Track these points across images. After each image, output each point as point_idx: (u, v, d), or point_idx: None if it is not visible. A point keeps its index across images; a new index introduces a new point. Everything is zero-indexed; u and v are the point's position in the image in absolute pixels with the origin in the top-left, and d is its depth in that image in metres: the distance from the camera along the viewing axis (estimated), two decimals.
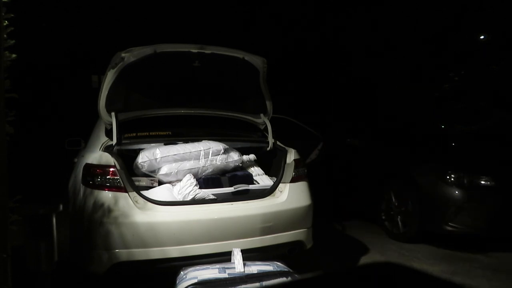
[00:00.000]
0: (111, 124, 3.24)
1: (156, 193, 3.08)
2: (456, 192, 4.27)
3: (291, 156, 3.51)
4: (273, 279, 2.50)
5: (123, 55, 3.09)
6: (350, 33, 10.98)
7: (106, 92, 3.22)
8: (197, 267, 2.57)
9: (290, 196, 3.26)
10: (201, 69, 3.43)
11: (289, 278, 2.54)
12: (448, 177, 4.36)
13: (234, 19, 10.42)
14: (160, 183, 3.28)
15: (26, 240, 2.21)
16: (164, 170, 3.20)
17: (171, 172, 3.21)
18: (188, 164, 3.27)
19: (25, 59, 2.89)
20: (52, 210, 2.26)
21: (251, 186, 3.38)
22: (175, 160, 3.24)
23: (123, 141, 3.27)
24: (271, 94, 3.79)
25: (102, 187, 2.85)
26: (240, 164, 3.62)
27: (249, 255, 2.73)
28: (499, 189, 4.27)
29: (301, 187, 3.40)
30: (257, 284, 2.47)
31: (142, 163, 3.17)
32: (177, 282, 2.51)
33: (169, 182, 3.26)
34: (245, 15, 10.47)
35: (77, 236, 3.01)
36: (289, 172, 3.38)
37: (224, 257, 2.77)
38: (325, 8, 10.73)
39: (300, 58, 11.18)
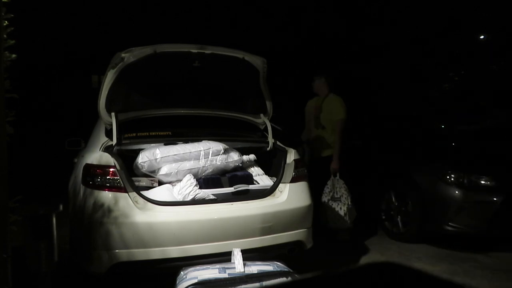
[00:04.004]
0: (111, 124, 3.23)
1: (156, 193, 3.07)
2: (456, 192, 4.27)
3: (291, 156, 3.51)
4: (273, 279, 2.51)
5: (123, 55, 3.09)
6: (351, 33, 10.98)
7: (106, 92, 3.22)
8: (197, 267, 2.57)
9: (290, 196, 3.25)
10: (201, 69, 3.43)
11: (289, 278, 2.54)
12: (448, 177, 4.36)
13: (234, 18, 10.43)
14: (160, 183, 3.28)
15: (26, 240, 2.21)
16: (164, 170, 3.20)
17: (171, 172, 3.21)
18: (188, 164, 3.27)
19: (25, 59, 2.89)
20: (52, 210, 2.26)
21: (251, 186, 3.37)
22: (175, 160, 3.24)
23: (123, 141, 3.26)
24: (271, 94, 3.79)
25: (102, 187, 2.85)
26: (240, 164, 3.62)
27: (249, 255, 2.73)
28: (499, 189, 4.27)
29: (301, 187, 3.39)
30: (257, 284, 2.47)
31: (142, 163, 3.17)
32: (177, 282, 2.51)
33: (169, 182, 3.26)
34: (244, 15, 10.47)
35: (77, 237, 3.01)
36: (289, 172, 3.38)
37: (224, 257, 2.77)
38: (324, 7, 10.72)
39: (299, 57, 11.18)
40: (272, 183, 3.43)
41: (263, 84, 3.69)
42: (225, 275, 2.47)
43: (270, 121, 3.83)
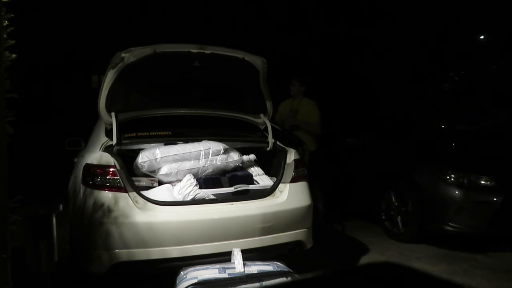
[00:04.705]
0: (111, 124, 3.24)
1: (156, 193, 3.07)
2: (456, 192, 4.27)
3: (291, 156, 3.51)
4: (273, 279, 2.50)
5: (123, 55, 3.09)
6: (351, 33, 10.98)
7: (106, 92, 3.22)
8: (197, 267, 2.57)
9: (290, 196, 3.25)
10: (201, 69, 3.43)
11: (289, 278, 2.54)
12: (448, 177, 4.36)
13: (234, 18, 10.43)
14: (160, 183, 3.28)
15: (26, 240, 2.21)
16: (164, 170, 3.20)
17: (171, 172, 3.21)
18: (188, 164, 3.27)
19: (25, 59, 2.88)
20: (52, 210, 2.26)
21: (251, 186, 3.37)
22: (175, 160, 3.24)
23: (123, 141, 3.27)
24: (271, 94, 3.79)
25: (102, 187, 2.85)
26: (240, 164, 3.62)
27: (249, 255, 2.73)
28: (499, 189, 4.27)
29: (301, 187, 3.39)
30: (257, 284, 2.47)
31: (142, 163, 3.17)
32: (177, 282, 2.51)
33: (169, 182, 3.26)
34: (244, 15, 10.47)
35: (77, 236, 3.01)
36: (289, 172, 3.38)
37: (224, 257, 2.77)
38: (324, 7, 10.72)
39: (298, 57, 11.17)
40: (272, 183, 3.43)
41: (263, 84, 3.69)
42: (225, 275, 2.47)
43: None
